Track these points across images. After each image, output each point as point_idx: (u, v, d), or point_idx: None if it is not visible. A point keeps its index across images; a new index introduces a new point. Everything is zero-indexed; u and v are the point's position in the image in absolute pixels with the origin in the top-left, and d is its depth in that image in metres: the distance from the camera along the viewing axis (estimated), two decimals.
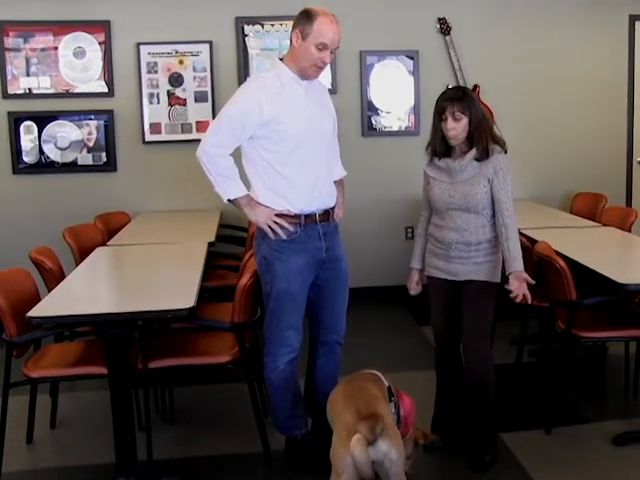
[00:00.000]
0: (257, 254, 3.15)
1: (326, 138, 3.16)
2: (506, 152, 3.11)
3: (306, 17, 2.94)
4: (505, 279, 3.09)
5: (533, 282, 3.05)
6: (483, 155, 3.05)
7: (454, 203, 3.10)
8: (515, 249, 3.05)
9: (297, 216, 3.05)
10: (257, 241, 3.15)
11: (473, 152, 3.06)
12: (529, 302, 3.06)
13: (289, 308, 3.08)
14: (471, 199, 3.06)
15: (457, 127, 3.02)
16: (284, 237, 3.02)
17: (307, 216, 3.06)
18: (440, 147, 3.13)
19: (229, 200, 3.09)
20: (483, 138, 3.04)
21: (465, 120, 3.02)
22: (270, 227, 3.02)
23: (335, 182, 3.24)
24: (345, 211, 3.31)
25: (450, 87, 3.17)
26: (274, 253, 3.05)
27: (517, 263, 3.04)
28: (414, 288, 3.32)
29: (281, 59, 3.08)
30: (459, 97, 3.03)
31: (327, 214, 3.13)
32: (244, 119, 2.96)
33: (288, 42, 3.09)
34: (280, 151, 3.00)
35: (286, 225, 3.02)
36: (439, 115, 3.07)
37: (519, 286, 3.03)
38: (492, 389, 3.18)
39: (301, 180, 3.03)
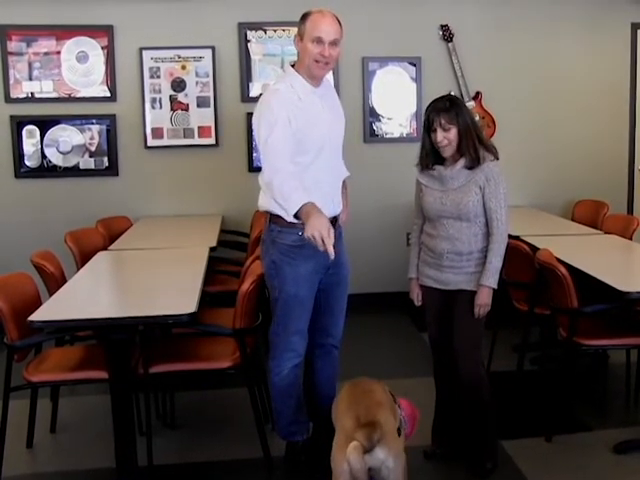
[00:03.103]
0: (265, 258, 3.14)
1: (339, 144, 3.19)
2: (497, 158, 3.10)
3: (301, 20, 3.00)
4: (500, 287, 3.10)
5: (489, 309, 3.08)
6: (474, 163, 3.04)
7: (446, 211, 3.09)
8: (496, 264, 3.05)
9: None
10: (265, 245, 3.14)
11: (463, 160, 3.06)
12: (480, 317, 3.08)
13: (297, 313, 3.08)
14: (463, 207, 3.05)
15: (448, 137, 3.02)
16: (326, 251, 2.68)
17: None
18: (431, 159, 3.12)
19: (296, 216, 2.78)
20: (471, 146, 3.02)
21: (454, 130, 3.01)
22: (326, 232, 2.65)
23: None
24: (349, 214, 3.31)
25: (436, 97, 3.14)
26: (284, 258, 3.05)
27: (493, 279, 3.05)
28: (419, 300, 3.31)
29: (293, 65, 3.09)
30: (446, 108, 3.02)
31: (334, 220, 3.14)
32: (285, 128, 2.89)
33: (291, 47, 3.10)
34: (300, 162, 2.97)
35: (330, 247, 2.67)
36: (428, 127, 3.07)
37: (485, 302, 3.05)
38: (487, 396, 3.17)
39: (317, 190, 2.97)
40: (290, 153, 2.91)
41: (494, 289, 3.07)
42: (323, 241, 2.61)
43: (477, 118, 5.53)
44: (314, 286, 3.12)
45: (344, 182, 3.31)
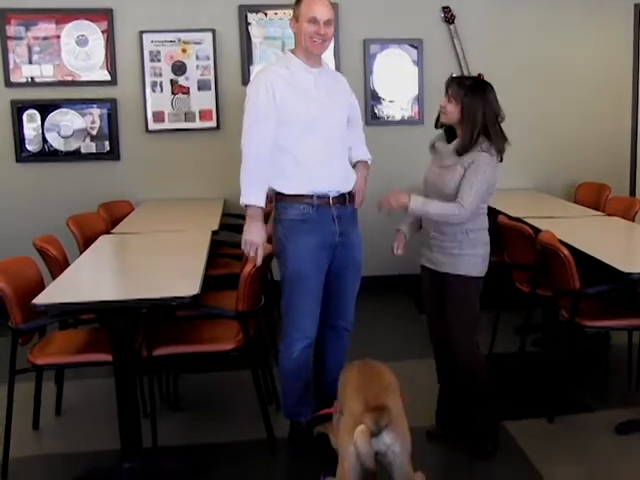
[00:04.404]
0: (274, 236, 3.20)
1: (338, 128, 3.18)
2: (502, 160, 3.08)
3: (296, 3, 3.09)
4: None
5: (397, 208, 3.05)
6: (462, 150, 3.01)
7: (436, 187, 3.10)
8: (432, 209, 3.00)
9: (309, 196, 3.07)
10: (274, 223, 3.19)
11: (456, 142, 3.06)
12: (384, 208, 3.06)
13: (301, 291, 3.09)
14: (446, 183, 3.04)
15: (447, 107, 3.06)
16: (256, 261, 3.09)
17: (320, 197, 3.08)
18: (440, 122, 3.16)
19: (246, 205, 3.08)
20: (468, 133, 3.00)
21: (454, 106, 3.02)
22: (248, 247, 3.05)
23: (360, 163, 3.29)
24: (364, 197, 3.28)
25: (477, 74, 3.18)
26: (287, 234, 3.09)
27: (420, 203, 3.01)
28: (397, 249, 3.24)
29: (291, 51, 3.16)
30: (463, 84, 3.04)
31: (343, 198, 3.15)
32: (266, 108, 3.02)
33: (291, 31, 3.17)
34: (289, 134, 3.04)
35: (259, 260, 3.08)
36: (445, 89, 3.11)
37: (394, 198, 3.03)
38: (483, 378, 3.17)
39: (310, 160, 3.06)
40: (271, 129, 3.02)
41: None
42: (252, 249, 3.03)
43: None
44: (321, 264, 3.13)
45: (366, 163, 3.33)
